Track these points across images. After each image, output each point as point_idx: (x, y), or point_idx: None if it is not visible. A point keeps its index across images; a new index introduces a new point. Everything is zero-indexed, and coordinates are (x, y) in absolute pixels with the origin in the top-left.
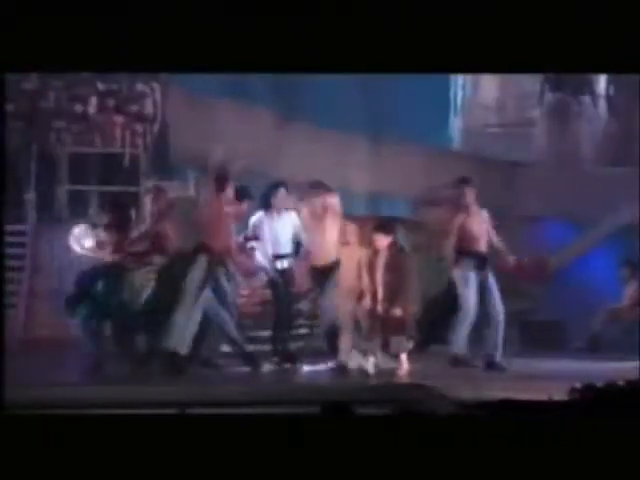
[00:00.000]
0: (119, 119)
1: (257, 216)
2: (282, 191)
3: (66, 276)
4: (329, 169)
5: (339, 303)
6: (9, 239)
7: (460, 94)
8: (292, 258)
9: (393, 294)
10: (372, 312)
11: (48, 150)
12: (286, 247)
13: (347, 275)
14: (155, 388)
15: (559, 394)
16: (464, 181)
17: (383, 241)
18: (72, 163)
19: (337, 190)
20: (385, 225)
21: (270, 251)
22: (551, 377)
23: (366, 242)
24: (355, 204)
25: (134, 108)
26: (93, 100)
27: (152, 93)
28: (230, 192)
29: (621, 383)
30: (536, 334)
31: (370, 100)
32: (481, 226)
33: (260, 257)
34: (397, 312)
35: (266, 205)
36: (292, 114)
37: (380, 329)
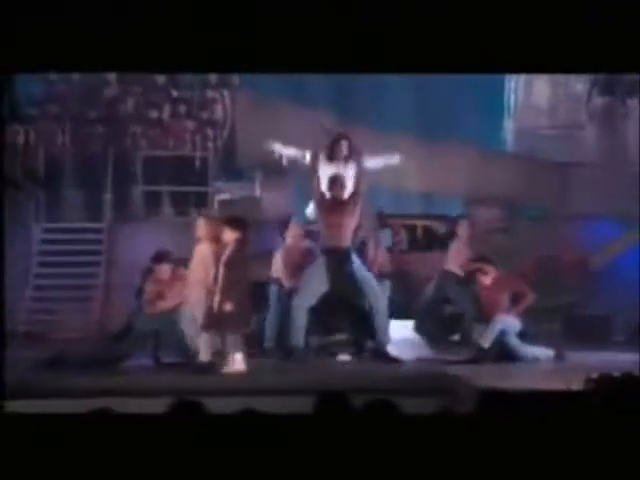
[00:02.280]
0: (190, 124)
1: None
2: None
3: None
4: (386, 169)
5: (191, 299)
6: (87, 236)
7: (513, 98)
8: None
9: (228, 290)
10: (209, 308)
11: (124, 153)
12: None
13: (196, 270)
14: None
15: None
16: None
17: (230, 236)
18: (146, 165)
19: (393, 190)
20: (233, 220)
21: None
22: (593, 369)
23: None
24: (411, 203)
25: (205, 114)
26: (167, 106)
27: (222, 99)
28: None
29: (637, 374)
30: (580, 327)
31: (427, 103)
32: None
33: None
34: (228, 307)
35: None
36: (351, 117)
37: (215, 325)
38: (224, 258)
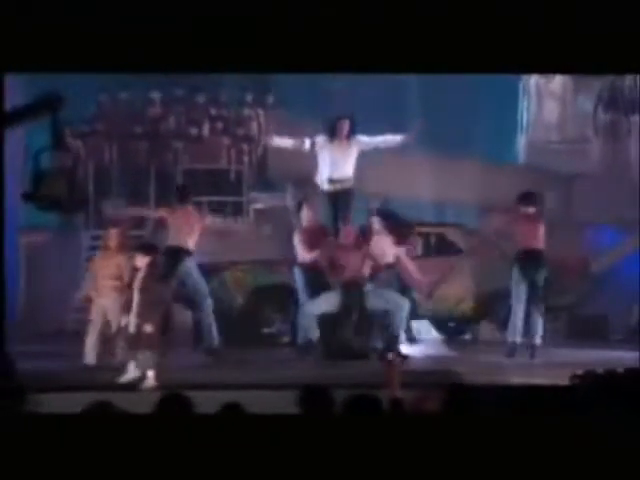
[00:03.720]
0: (226, 140)
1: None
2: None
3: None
4: (411, 182)
5: (94, 301)
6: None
7: (525, 115)
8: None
9: (145, 312)
10: (125, 327)
11: (166, 167)
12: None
13: (112, 277)
14: None
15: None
16: None
17: (142, 261)
18: (186, 178)
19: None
20: (145, 246)
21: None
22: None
23: (126, 249)
24: (425, 212)
25: (241, 131)
26: (206, 124)
27: (257, 117)
28: None
29: (621, 370)
30: (580, 327)
31: (445, 121)
32: None
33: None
34: (147, 329)
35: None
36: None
37: (132, 343)
38: (138, 284)
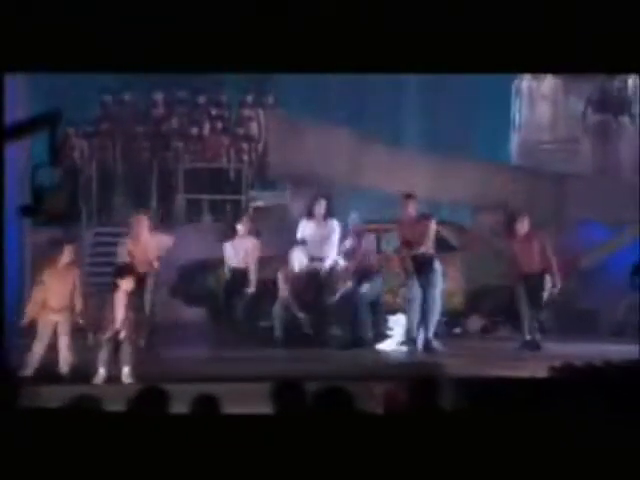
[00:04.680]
0: (226, 139)
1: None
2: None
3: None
4: (406, 181)
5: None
6: None
7: (518, 116)
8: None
9: (135, 330)
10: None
11: (168, 166)
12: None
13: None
14: None
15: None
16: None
17: (128, 284)
18: (187, 176)
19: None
20: (124, 269)
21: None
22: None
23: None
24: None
25: (241, 130)
26: (206, 124)
27: (257, 117)
28: None
29: (598, 363)
30: (571, 321)
31: (443, 123)
32: None
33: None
34: (132, 341)
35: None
36: (367, 134)
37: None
38: (128, 304)
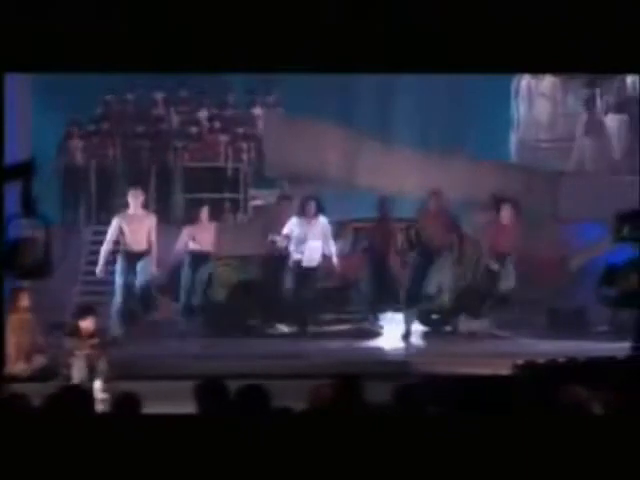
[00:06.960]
0: (224, 138)
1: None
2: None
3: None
4: (400, 178)
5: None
6: None
7: (516, 114)
8: None
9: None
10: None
11: (167, 164)
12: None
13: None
14: None
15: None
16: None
17: (88, 324)
18: (186, 175)
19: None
20: (85, 310)
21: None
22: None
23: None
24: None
25: (240, 129)
26: (205, 123)
27: (257, 117)
28: None
29: (562, 360)
30: (561, 319)
31: (438, 118)
32: None
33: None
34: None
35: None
36: (361, 132)
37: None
38: (92, 349)
